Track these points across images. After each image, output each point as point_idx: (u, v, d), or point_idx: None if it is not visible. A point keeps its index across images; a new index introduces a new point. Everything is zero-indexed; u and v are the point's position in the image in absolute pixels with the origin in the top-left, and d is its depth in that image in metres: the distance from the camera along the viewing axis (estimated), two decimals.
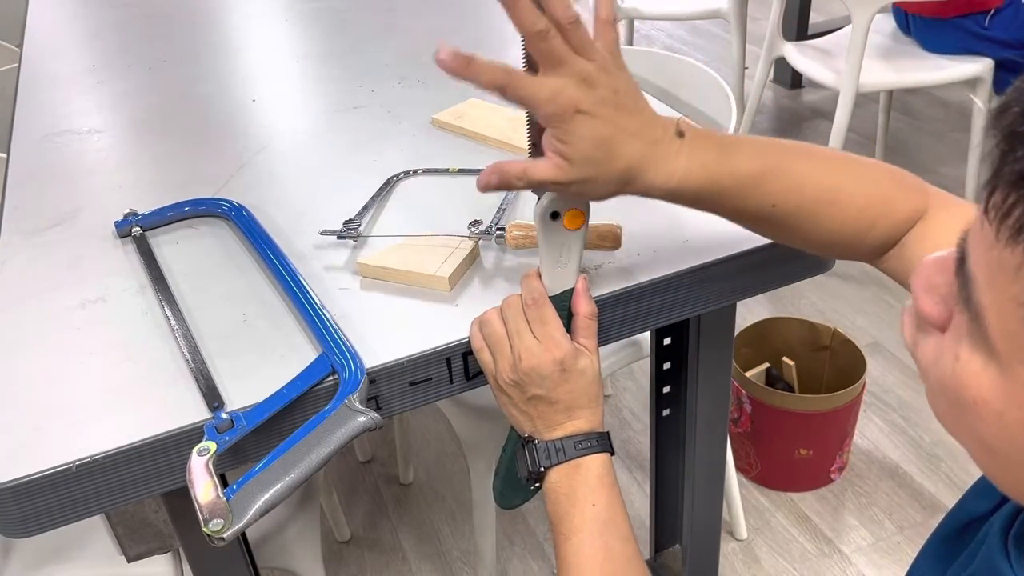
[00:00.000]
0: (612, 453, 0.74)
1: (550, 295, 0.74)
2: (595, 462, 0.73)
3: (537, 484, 0.75)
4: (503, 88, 0.63)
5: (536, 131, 0.70)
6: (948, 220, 0.69)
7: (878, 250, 0.71)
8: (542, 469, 0.73)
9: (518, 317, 0.73)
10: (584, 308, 0.75)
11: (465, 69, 0.62)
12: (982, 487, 0.57)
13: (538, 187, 0.68)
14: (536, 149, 0.71)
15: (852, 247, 0.71)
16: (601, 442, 0.73)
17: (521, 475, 0.75)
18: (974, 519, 0.56)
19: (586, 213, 0.72)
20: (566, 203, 0.71)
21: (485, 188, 0.67)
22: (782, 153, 0.69)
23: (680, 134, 0.66)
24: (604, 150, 0.64)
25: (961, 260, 0.40)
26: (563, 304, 0.75)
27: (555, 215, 0.71)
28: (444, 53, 0.62)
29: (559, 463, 0.72)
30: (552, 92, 0.62)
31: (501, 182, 0.66)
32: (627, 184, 0.66)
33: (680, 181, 0.66)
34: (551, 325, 0.72)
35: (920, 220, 0.70)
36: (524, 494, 0.78)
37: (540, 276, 0.75)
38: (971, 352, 0.39)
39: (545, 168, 0.65)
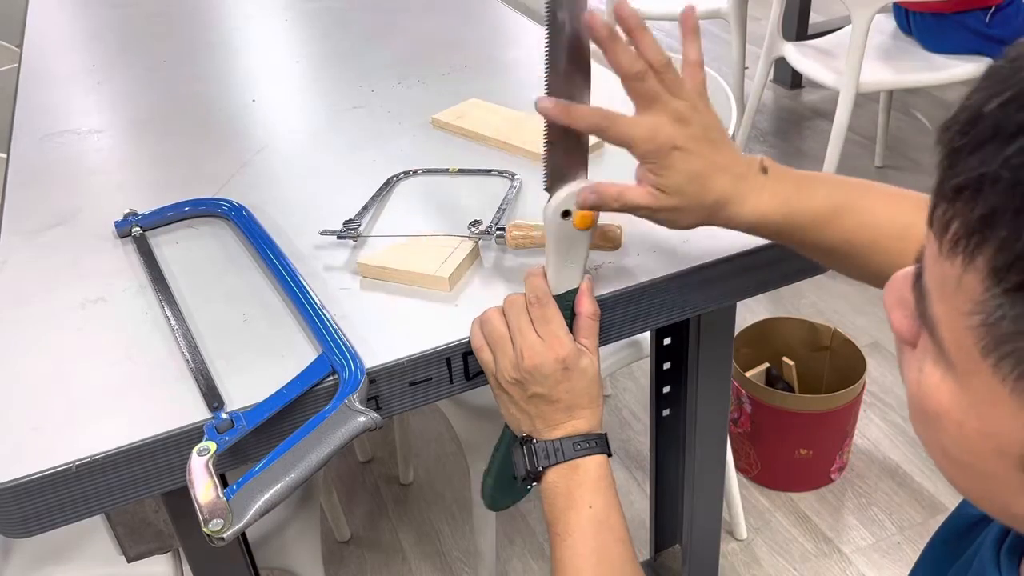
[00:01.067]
0: (609, 455, 0.74)
1: (554, 294, 0.74)
2: (593, 463, 0.73)
3: (533, 483, 0.75)
4: (602, 131, 0.68)
5: (553, 130, 0.71)
6: None
7: None
8: (540, 469, 0.73)
9: (521, 315, 0.73)
10: (587, 308, 0.75)
11: (566, 116, 0.68)
12: None
13: (631, 211, 0.71)
14: (553, 147, 0.71)
15: None
16: (599, 443, 0.73)
17: (518, 474, 0.75)
18: (974, 522, 0.56)
19: (596, 214, 0.72)
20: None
21: (582, 205, 0.71)
22: (856, 190, 0.72)
23: (764, 170, 0.70)
24: (697, 183, 0.68)
25: (918, 275, 0.40)
26: (566, 303, 0.75)
27: (566, 213, 0.71)
28: (546, 101, 0.68)
29: (557, 463, 0.72)
30: (650, 131, 0.67)
31: (598, 201, 0.70)
32: (713, 215, 0.70)
33: (762, 215, 0.70)
34: (554, 324, 0.72)
35: None
36: (515, 495, 0.78)
37: (544, 275, 0.75)
38: (933, 365, 0.40)
39: (640, 195, 0.69)
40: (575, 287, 0.75)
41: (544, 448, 0.73)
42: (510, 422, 0.77)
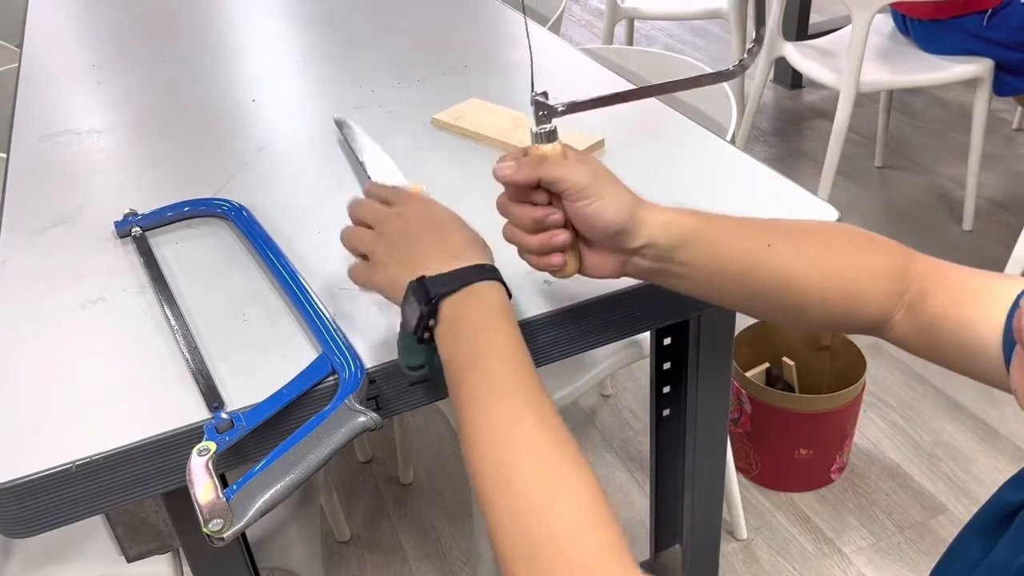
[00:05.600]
0: (510, 296, 0.67)
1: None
2: (492, 290, 0.66)
3: (428, 334, 0.66)
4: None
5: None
6: (965, 284, 0.66)
7: (881, 317, 0.70)
8: (435, 301, 0.64)
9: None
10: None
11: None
12: (1018, 480, 0.57)
13: (552, 184, 0.68)
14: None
15: (851, 324, 0.71)
16: (495, 274, 0.67)
17: (407, 328, 0.66)
18: (1017, 509, 0.56)
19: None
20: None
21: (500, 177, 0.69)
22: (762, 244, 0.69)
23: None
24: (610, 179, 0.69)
25: None
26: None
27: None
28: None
29: (453, 291, 0.65)
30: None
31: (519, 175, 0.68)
32: (634, 208, 0.67)
33: (673, 216, 0.68)
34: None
35: (924, 294, 0.68)
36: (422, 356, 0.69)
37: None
38: None
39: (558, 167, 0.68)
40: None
41: (440, 278, 0.65)
42: (393, 290, 0.69)
